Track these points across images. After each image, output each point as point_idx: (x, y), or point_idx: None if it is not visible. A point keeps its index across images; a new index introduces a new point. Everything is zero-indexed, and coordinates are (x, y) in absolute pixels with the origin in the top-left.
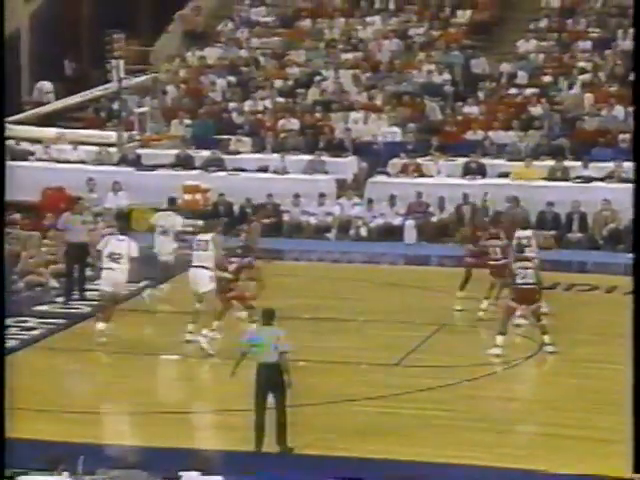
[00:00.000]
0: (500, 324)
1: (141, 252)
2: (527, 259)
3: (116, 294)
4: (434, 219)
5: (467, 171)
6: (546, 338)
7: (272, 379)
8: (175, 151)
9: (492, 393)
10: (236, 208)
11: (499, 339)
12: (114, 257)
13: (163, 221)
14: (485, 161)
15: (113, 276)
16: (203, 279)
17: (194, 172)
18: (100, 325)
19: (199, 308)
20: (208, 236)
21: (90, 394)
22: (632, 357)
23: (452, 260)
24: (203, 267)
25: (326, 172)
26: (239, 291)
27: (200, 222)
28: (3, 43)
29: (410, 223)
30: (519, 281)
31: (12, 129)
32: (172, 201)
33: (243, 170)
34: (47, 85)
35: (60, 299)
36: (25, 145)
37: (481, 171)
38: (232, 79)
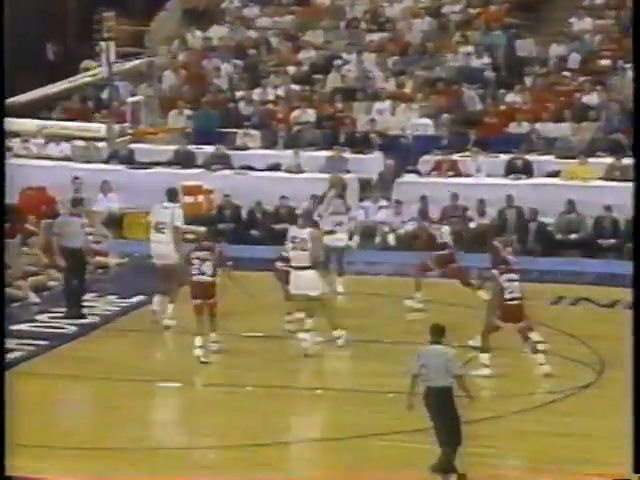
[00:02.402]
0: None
1: (135, 262)
2: (513, 270)
3: (168, 267)
4: (473, 225)
5: (511, 169)
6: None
7: (443, 406)
8: (173, 146)
9: (542, 427)
10: (244, 212)
11: (484, 357)
12: (159, 227)
13: (160, 216)
14: (532, 158)
15: (159, 249)
16: (313, 281)
17: (195, 171)
18: (165, 306)
19: (307, 316)
20: (305, 232)
21: (76, 427)
22: (632, 358)
23: None
24: (308, 267)
25: (347, 171)
26: None
27: (202, 228)
28: (3, 43)
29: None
30: (507, 296)
31: None
32: (172, 193)
33: (252, 168)
34: None
35: (42, 316)
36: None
37: (527, 169)
38: (239, 63)
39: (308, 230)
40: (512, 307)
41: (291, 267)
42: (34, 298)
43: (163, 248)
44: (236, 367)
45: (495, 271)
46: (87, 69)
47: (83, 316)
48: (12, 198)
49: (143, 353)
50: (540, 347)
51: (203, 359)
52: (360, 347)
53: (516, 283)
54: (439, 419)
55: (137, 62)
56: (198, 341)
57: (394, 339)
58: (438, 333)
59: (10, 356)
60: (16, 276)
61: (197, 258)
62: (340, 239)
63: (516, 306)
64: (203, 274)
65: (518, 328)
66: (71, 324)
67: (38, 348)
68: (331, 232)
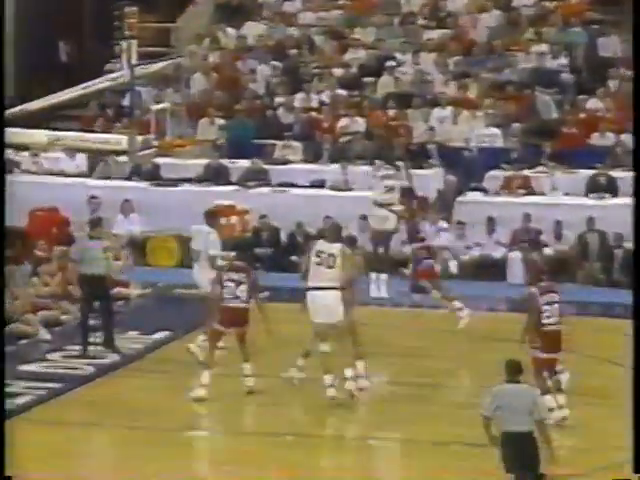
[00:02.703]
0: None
1: (159, 293)
2: (554, 290)
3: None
4: (548, 251)
5: (593, 187)
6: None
7: (525, 453)
8: (203, 160)
9: None
10: (283, 235)
11: (548, 399)
12: (193, 255)
13: (194, 242)
14: (617, 174)
15: (196, 277)
16: (335, 305)
17: (228, 188)
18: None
19: (326, 348)
20: (335, 247)
21: None
22: (632, 358)
23: (574, 306)
24: (332, 288)
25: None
26: None
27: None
28: (3, 43)
29: (516, 256)
30: (545, 321)
31: None
32: (211, 216)
33: (292, 185)
34: None
35: (54, 355)
36: (8, 153)
37: (611, 187)
38: (278, 65)
39: (339, 245)
40: (551, 334)
41: (311, 288)
42: (45, 334)
43: (197, 277)
44: (271, 411)
45: (534, 289)
46: (110, 72)
47: (118, 350)
48: (20, 220)
49: (168, 397)
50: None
51: (195, 394)
52: (414, 389)
53: (556, 305)
54: (519, 469)
55: (162, 64)
56: (205, 377)
57: (456, 381)
58: (515, 370)
59: (18, 401)
60: (24, 309)
61: (230, 280)
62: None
63: (556, 333)
64: (237, 298)
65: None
66: (87, 364)
67: (49, 392)
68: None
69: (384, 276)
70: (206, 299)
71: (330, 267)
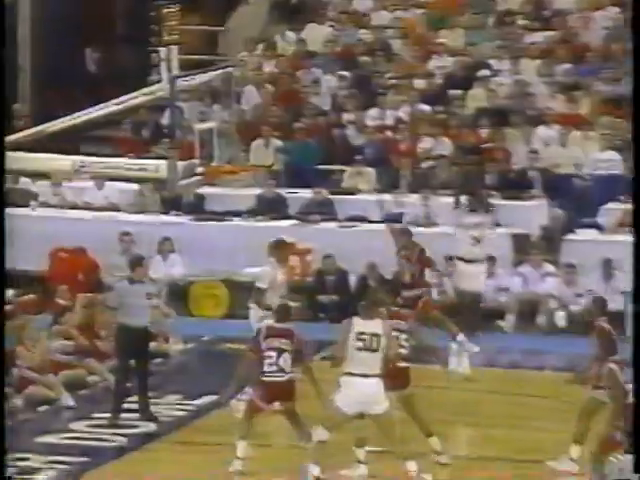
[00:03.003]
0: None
1: (204, 348)
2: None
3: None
4: None
5: None
6: None
7: None
8: (257, 190)
9: None
10: (353, 279)
11: None
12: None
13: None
14: None
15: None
16: (376, 394)
17: (287, 223)
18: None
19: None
20: (377, 325)
21: None
22: (632, 358)
23: None
24: (370, 375)
25: (497, 223)
26: None
27: (294, 304)
28: (3, 42)
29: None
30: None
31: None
32: (278, 246)
33: (364, 220)
34: None
35: (79, 424)
36: (24, 182)
37: None
38: (346, 75)
39: (379, 322)
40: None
41: (350, 374)
42: (68, 399)
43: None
44: None
45: (614, 366)
46: (147, 84)
47: (155, 418)
48: (38, 263)
49: (214, 474)
50: None
51: (233, 468)
52: (520, 469)
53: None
54: None
55: (208, 75)
56: (241, 449)
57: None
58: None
59: (37, 478)
60: (44, 368)
61: (271, 349)
62: None
63: None
64: (280, 371)
65: None
66: (118, 435)
67: (73, 467)
68: None
69: (469, 346)
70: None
71: (373, 350)
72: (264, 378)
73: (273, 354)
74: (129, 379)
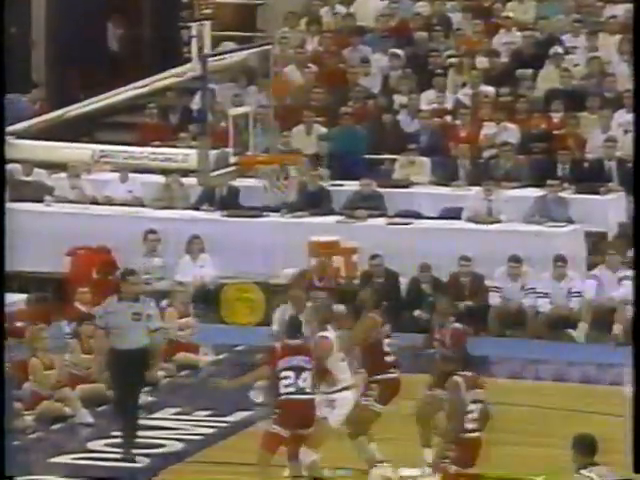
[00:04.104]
0: None
1: (237, 359)
2: None
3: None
4: None
5: None
6: None
7: None
8: (298, 181)
9: None
10: (404, 282)
11: None
12: None
13: None
14: None
15: None
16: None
17: (331, 219)
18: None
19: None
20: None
21: None
22: (632, 358)
23: None
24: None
25: (569, 220)
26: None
27: (340, 307)
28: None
29: None
30: None
31: (16, 146)
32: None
33: (417, 216)
34: None
35: (97, 443)
36: (38, 174)
37: None
38: (400, 53)
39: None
40: None
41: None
42: (86, 416)
43: None
44: None
45: (459, 378)
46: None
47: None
48: (54, 264)
49: None
50: None
51: None
52: None
53: None
54: None
55: (244, 54)
56: None
57: None
58: (589, 450)
59: None
60: (60, 382)
61: (289, 369)
62: None
63: None
64: (301, 392)
65: None
66: (141, 454)
67: None
68: None
69: None
70: None
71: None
72: (281, 399)
73: (291, 374)
74: (134, 401)
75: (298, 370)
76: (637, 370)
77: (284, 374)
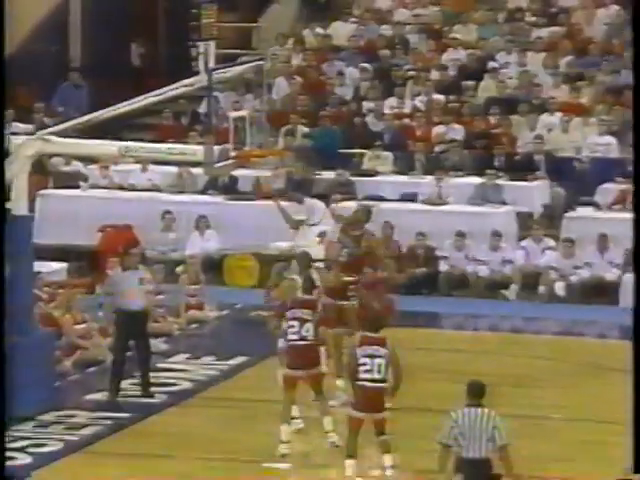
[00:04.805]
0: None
1: (237, 315)
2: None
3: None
4: None
5: None
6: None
7: None
8: (285, 171)
9: None
10: None
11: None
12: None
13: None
14: None
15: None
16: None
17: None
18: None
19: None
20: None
21: None
22: (632, 358)
23: None
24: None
25: (503, 202)
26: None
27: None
28: (3, 43)
29: (630, 278)
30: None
31: (56, 143)
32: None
33: (382, 199)
34: None
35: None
36: (76, 165)
37: None
38: (368, 67)
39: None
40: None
41: None
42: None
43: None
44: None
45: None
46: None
47: (153, 395)
48: (89, 239)
49: (244, 428)
50: None
51: (279, 452)
52: (520, 423)
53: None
54: None
55: (242, 67)
56: (285, 433)
57: (564, 414)
58: (478, 393)
59: (84, 432)
60: (90, 333)
61: (294, 319)
62: None
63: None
64: (303, 339)
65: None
66: (159, 392)
67: (118, 422)
68: None
69: None
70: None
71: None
72: (288, 344)
73: (296, 323)
74: (125, 361)
75: (302, 321)
76: (637, 370)
77: (291, 323)
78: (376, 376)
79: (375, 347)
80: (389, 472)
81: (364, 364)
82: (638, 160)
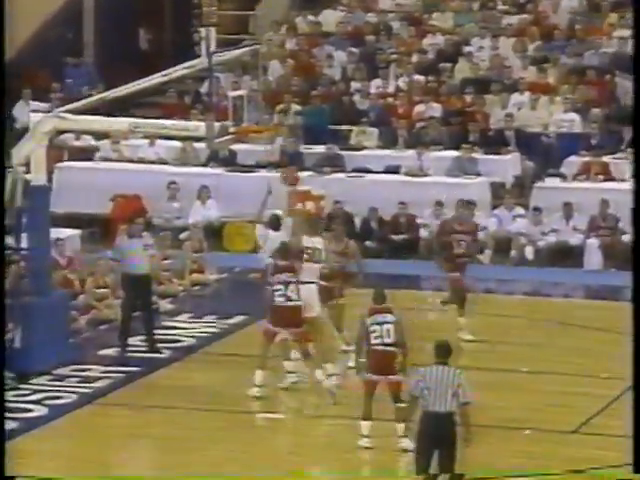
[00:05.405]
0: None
1: (236, 278)
2: None
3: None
4: (626, 238)
5: None
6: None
7: (442, 433)
8: (280, 145)
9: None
10: (358, 221)
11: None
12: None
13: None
14: None
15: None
16: (311, 299)
17: (304, 174)
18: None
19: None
20: (318, 241)
21: (169, 463)
22: (632, 355)
23: None
24: (312, 282)
25: (478, 173)
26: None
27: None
28: (3, 41)
29: (592, 243)
30: None
31: (71, 120)
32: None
33: (367, 171)
34: None
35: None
36: (86, 139)
37: None
38: (355, 51)
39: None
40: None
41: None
42: None
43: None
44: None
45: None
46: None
47: (159, 350)
48: (101, 207)
49: (245, 381)
50: None
51: (251, 393)
52: (491, 376)
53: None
54: (437, 447)
55: (240, 51)
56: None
57: (532, 368)
58: (444, 352)
59: (96, 385)
60: (104, 295)
61: (279, 282)
62: None
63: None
64: (289, 299)
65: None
66: (165, 348)
67: (127, 376)
68: None
69: None
70: None
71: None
72: (274, 305)
73: (281, 287)
74: (131, 319)
75: (286, 284)
76: (637, 368)
77: (276, 287)
78: (386, 340)
79: (383, 315)
80: (403, 441)
81: (374, 331)
82: (638, 160)
